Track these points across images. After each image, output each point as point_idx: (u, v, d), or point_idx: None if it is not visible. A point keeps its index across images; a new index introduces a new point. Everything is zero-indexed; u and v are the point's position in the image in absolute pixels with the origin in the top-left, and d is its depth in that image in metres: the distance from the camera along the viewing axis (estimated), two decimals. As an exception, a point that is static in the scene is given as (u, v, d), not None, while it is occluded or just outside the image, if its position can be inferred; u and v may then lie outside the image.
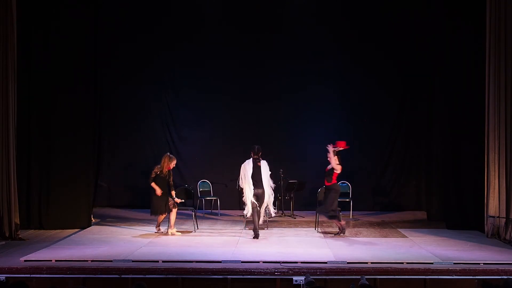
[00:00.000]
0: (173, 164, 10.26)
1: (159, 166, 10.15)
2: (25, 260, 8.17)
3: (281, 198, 12.52)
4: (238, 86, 13.44)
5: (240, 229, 10.62)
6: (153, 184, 10.03)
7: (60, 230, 10.52)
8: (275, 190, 10.57)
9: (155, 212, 10.15)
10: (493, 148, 9.90)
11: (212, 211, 12.85)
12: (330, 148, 9.97)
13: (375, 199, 13.35)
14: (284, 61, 13.29)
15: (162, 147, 13.55)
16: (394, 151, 13.44)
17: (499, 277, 7.48)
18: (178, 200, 10.24)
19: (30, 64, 10.68)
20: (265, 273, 7.75)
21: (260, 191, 10.00)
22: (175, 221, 10.24)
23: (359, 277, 7.12)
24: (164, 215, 10.20)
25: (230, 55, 13.29)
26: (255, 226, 9.87)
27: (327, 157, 10.02)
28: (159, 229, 10.29)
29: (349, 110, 13.39)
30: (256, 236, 9.78)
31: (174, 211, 10.16)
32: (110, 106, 13.15)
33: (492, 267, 7.89)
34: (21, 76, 10.37)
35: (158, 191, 9.98)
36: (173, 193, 10.23)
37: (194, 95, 13.51)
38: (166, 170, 10.17)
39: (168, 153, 10.45)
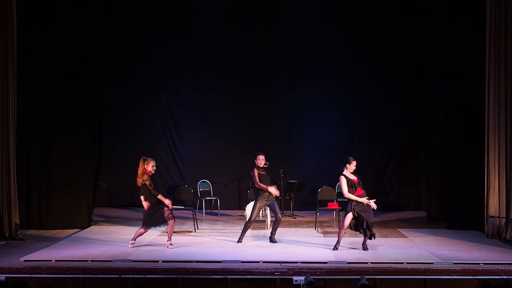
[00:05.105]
0: (153, 167, 8.94)
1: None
2: (25, 260, 8.17)
3: (281, 198, 12.53)
4: (239, 86, 13.47)
5: (240, 229, 10.61)
6: (159, 196, 8.93)
7: (60, 230, 10.53)
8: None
9: (145, 223, 9.09)
10: (493, 148, 9.90)
11: (212, 211, 12.86)
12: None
13: (375, 199, 13.28)
14: (284, 62, 13.32)
15: (162, 147, 13.58)
16: (394, 151, 13.46)
17: (499, 277, 7.48)
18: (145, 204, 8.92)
19: (30, 64, 10.69)
20: (265, 273, 7.74)
21: None
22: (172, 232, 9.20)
23: (359, 277, 7.11)
24: (146, 230, 9.14)
25: (231, 55, 13.32)
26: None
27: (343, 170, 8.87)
28: (133, 243, 9.11)
29: (349, 110, 13.41)
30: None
31: (171, 222, 9.05)
32: (110, 106, 13.16)
33: (492, 267, 7.88)
34: (21, 77, 10.37)
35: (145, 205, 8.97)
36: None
37: (194, 95, 13.54)
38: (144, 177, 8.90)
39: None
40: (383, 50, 13.12)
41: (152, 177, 8.99)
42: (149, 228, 9.18)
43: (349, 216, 8.77)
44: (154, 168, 9.03)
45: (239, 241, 9.47)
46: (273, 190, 9.41)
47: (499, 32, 9.82)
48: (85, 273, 7.74)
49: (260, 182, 9.37)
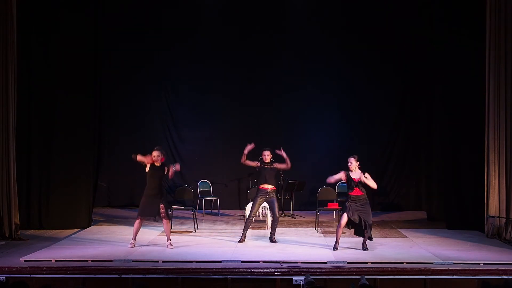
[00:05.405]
0: (153, 157, 9.12)
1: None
2: (25, 260, 8.17)
3: (281, 198, 12.53)
4: (239, 86, 13.47)
5: (240, 229, 10.60)
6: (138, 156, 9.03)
7: (60, 230, 10.53)
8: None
9: (139, 213, 9.12)
10: (493, 148, 9.91)
11: (212, 211, 12.86)
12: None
13: (375, 199, 13.31)
14: (285, 62, 13.32)
15: (162, 147, 13.54)
16: (394, 151, 13.46)
17: (499, 277, 7.47)
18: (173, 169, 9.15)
19: (30, 64, 10.68)
20: (265, 273, 7.74)
21: None
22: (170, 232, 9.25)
23: (359, 277, 7.12)
24: (142, 221, 9.15)
25: (231, 56, 13.31)
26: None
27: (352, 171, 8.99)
28: (133, 243, 9.09)
29: (349, 110, 13.42)
30: None
31: (165, 221, 9.08)
32: (110, 106, 13.17)
33: (492, 267, 7.88)
34: (21, 76, 10.37)
35: (140, 157, 9.04)
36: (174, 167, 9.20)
37: (194, 95, 13.54)
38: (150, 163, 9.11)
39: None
40: (383, 50, 13.11)
41: (155, 166, 9.12)
42: (143, 219, 9.18)
43: (346, 215, 8.79)
44: (156, 158, 9.14)
45: (241, 240, 9.47)
46: (248, 147, 9.52)
47: (499, 32, 9.83)
48: (85, 273, 7.74)
49: (261, 175, 9.56)
